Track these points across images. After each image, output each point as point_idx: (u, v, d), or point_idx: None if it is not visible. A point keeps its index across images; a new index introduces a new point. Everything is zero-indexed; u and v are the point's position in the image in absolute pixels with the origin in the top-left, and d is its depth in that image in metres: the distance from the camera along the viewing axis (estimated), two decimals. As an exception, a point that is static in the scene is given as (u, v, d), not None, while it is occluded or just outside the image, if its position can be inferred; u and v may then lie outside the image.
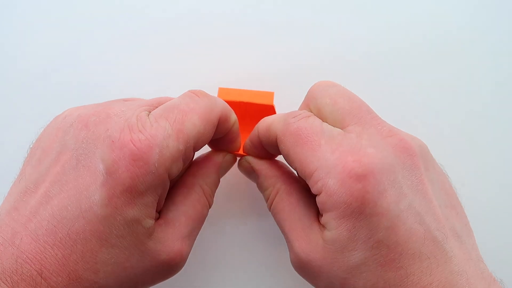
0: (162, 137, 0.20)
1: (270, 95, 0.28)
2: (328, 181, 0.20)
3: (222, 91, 0.29)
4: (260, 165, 0.27)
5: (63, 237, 0.19)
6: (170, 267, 0.23)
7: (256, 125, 0.26)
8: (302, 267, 0.23)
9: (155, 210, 0.22)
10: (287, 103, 0.31)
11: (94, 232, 0.20)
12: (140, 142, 0.20)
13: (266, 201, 0.26)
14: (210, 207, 0.26)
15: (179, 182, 0.26)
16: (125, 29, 0.35)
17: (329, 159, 0.21)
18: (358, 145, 0.21)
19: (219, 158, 0.27)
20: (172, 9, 0.35)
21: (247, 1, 0.35)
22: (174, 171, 0.22)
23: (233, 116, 0.25)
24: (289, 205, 0.24)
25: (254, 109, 0.29)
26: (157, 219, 0.23)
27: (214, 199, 0.27)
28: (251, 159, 0.27)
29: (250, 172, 0.28)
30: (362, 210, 0.20)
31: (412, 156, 0.22)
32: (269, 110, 0.28)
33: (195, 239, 0.25)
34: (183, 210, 0.24)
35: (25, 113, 0.33)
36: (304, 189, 0.26)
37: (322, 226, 0.22)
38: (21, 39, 0.34)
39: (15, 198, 0.21)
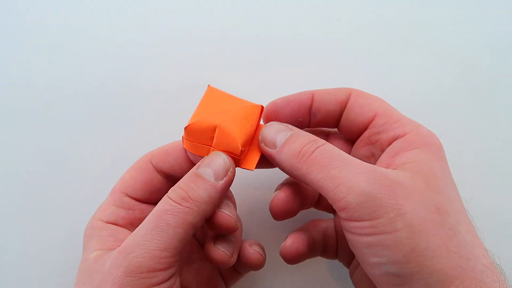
0: None
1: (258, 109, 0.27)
2: (420, 127, 0.25)
3: (211, 91, 0.27)
4: None
5: None
6: None
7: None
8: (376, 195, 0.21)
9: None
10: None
11: None
12: None
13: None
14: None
15: None
16: (137, 39, 0.35)
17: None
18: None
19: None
20: (175, 25, 0.35)
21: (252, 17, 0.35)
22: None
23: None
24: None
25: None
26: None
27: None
28: None
29: None
30: (443, 151, 0.25)
31: None
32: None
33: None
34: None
35: (24, 113, 0.33)
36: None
37: (392, 169, 0.23)
38: (21, 43, 0.34)
39: None
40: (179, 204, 0.22)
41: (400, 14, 0.35)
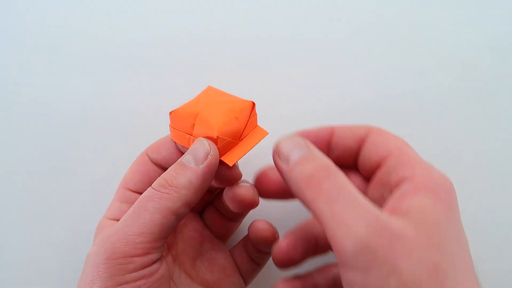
0: None
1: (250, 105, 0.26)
2: (432, 170, 0.23)
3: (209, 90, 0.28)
4: None
5: None
6: None
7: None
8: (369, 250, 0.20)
9: None
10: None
11: None
12: None
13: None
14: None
15: None
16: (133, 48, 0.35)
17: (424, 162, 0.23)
18: None
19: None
20: (171, 29, 0.35)
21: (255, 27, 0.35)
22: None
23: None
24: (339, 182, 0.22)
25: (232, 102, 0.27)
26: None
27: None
28: None
29: None
30: (455, 196, 0.23)
31: None
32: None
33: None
34: None
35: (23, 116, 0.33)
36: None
37: (397, 214, 0.21)
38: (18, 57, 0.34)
39: None
40: (158, 191, 0.23)
41: (400, 14, 0.35)
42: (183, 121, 0.25)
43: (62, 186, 0.32)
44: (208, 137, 0.24)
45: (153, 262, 0.22)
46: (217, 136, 0.24)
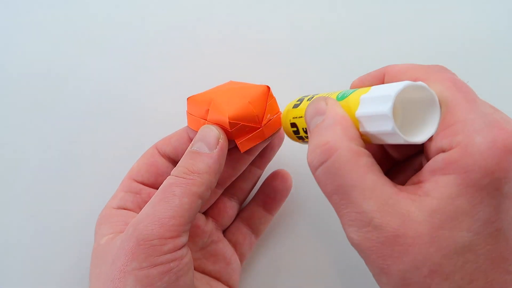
0: None
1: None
2: (476, 137, 0.17)
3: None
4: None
5: None
6: None
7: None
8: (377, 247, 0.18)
9: None
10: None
11: None
12: None
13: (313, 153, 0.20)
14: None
15: None
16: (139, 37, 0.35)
17: (485, 116, 0.18)
18: (508, 119, 0.18)
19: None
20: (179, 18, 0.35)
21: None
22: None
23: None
24: (356, 164, 0.19)
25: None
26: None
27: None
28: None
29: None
30: (501, 186, 0.17)
31: None
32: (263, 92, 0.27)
33: None
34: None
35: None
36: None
37: (416, 194, 0.18)
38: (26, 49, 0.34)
39: None
40: (182, 178, 0.24)
41: (399, 14, 0.36)
42: (199, 107, 0.27)
43: (66, 181, 0.32)
44: (220, 122, 0.26)
45: (183, 245, 0.23)
46: (229, 121, 0.25)
